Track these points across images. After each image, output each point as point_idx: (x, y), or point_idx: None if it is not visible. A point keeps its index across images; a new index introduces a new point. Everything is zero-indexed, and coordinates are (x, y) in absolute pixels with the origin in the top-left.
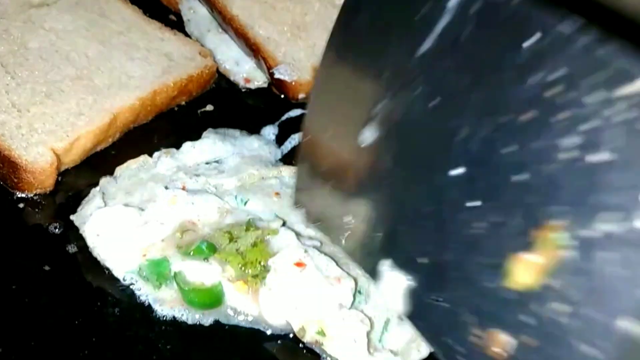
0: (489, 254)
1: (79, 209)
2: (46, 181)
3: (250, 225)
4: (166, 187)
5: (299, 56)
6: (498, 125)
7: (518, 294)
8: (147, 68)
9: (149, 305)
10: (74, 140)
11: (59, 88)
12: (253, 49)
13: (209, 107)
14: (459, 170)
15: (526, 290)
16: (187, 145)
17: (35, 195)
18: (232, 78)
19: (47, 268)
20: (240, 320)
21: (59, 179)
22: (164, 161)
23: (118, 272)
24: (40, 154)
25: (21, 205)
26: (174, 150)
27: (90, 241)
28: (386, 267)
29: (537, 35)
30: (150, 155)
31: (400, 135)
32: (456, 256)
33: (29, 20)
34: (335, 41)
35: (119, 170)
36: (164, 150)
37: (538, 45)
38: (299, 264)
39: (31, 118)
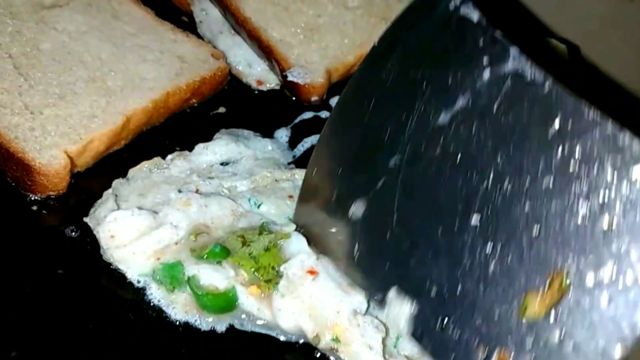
0: (504, 290)
1: (92, 211)
2: (59, 184)
3: (263, 229)
4: (179, 190)
5: (312, 58)
6: (519, 186)
7: (525, 324)
8: (160, 70)
9: (163, 309)
10: (87, 142)
11: (72, 90)
12: (266, 51)
13: (221, 109)
14: (477, 219)
15: (533, 321)
16: (199, 147)
17: (49, 197)
18: (244, 80)
19: (60, 271)
20: (254, 325)
21: (72, 181)
22: (177, 163)
23: (131, 275)
24: (54, 156)
25: (34, 207)
26: (186, 152)
27: (104, 243)
28: (393, 293)
29: (564, 117)
30: (163, 157)
31: (415, 185)
32: (469, 288)
33: (41, 22)
34: (350, 96)
35: (132, 172)
36: (177, 152)
37: (564, 125)
38: (311, 272)
39: (44, 120)
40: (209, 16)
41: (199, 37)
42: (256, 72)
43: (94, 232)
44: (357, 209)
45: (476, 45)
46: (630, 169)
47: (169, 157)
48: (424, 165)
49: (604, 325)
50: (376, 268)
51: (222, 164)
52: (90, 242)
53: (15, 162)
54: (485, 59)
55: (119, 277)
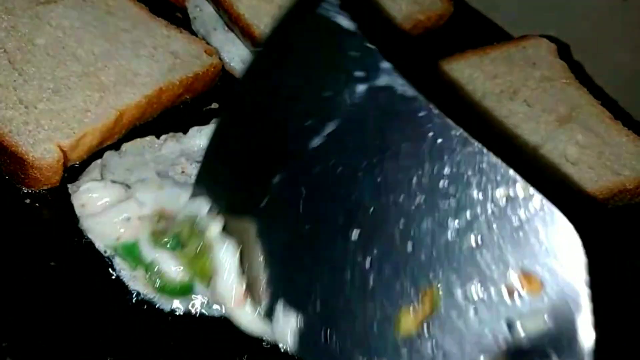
0: (381, 304)
1: (78, 179)
2: (52, 177)
3: (193, 229)
4: (159, 173)
5: None
6: (394, 202)
7: (400, 337)
8: (153, 66)
9: (125, 283)
10: (80, 137)
11: (65, 85)
12: None
13: (214, 105)
14: (356, 233)
15: (407, 335)
16: (193, 130)
17: (42, 191)
18: (237, 76)
19: (53, 264)
20: (213, 311)
21: (65, 175)
22: (169, 144)
23: (99, 245)
24: (47, 150)
25: (27, 200)
26: (180, 134)
27: (77, 211)
28: (279, 306)
29: (433, 135)
30: (158, 136)
31: (299, 202)
32: (350, 302)
33: (36, 17)
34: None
35: (125, 146)
36: (171, 133)
37: (433, 144)
38: (240, 301)
39: (38, 114)
40: (202, 12)
41: (193, 33)
42: None
43: (71, 200)
44: (242, 224)
45: (348, 57)
46: (494, 190)
47: (163, 137)
48: (305, 182)
49: (470, 338)
50: (264, 281)
51: None
52: (83, 235)
53: (9, 155)
54: (358, 73)
55: (110, 268)
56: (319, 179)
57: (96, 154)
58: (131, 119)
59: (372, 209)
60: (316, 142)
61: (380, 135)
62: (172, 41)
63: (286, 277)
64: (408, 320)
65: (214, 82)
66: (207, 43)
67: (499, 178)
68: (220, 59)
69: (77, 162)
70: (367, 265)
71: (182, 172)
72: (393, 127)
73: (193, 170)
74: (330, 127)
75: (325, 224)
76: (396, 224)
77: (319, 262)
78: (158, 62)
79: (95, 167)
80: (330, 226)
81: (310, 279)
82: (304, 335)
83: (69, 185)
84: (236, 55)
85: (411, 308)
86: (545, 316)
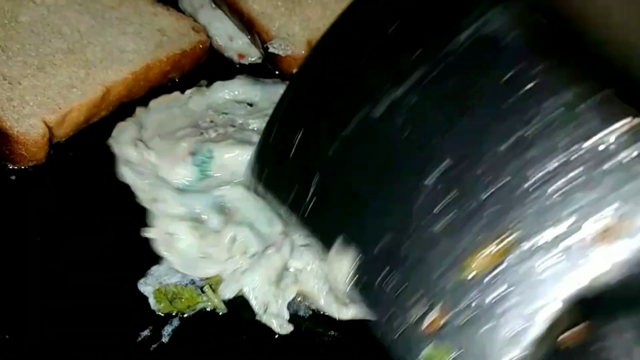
0: (450, 247)
1: (114, 133)
2: (38, 153)
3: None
4: (196, 127)
5: (294, 30)
6: (477, 153)
7: (466, 280)
8: (140, 42)
9: None
10: (66, 113)
11: (50, 61)
12: (247, 24)
13: (203, 83)
14: (431, 181)
15: (474, 279)
16: (217, 84)
17: (28, 167)
18: (225, 54)
19: (38, 239)
20: None
21: (51, 152)
22: (194, 98)
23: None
24: (32, 126)
25: (13, 177)
26: (204, 88)
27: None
28: (338, 241)
29: (520, 82)
30: (182, 92)
31: (375, 143)
32: (417, 243)
33: None
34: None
35: (152, 103)
36: (195, 88)
37: (528, 88)
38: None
39: (23, 90)
40: None
41: (180, 10)
42: (237, 46)
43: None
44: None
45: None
46: (585, 140)
47: (188, 92)
48: (382, 127)
49: (535, 290)
50: (325, 220)
51: (238, 102)
52: (67, 212)
53: None
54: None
55: None
56: (398, 123)
57: (83, 130)
58: (118, 95)
59: (450, 155)
60: (400, 90)
61: (463, 82)
62: (159, 18)
63: (352, 213)
64: (476, 266)
65: (201, 59)
66: (195, 20)
67: (592, 128)
68: (208, 36)
69: (64, 139)
70: (439, 209)
71: (211, 121)
72: (481, 73)
73: (221, 120)
74: (418, 74)
75: (399, 168)
76: (476, 171)
77: (389, 202)
78: (145, 39)
79: (131, 123)
80: (405, 169)
81: (379, 218)
82: (361, 274)
83: (109, 141)
84: (224, 32)
85: (480, 254)
86: (621, 270)
